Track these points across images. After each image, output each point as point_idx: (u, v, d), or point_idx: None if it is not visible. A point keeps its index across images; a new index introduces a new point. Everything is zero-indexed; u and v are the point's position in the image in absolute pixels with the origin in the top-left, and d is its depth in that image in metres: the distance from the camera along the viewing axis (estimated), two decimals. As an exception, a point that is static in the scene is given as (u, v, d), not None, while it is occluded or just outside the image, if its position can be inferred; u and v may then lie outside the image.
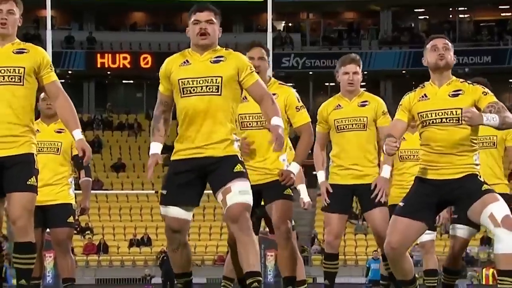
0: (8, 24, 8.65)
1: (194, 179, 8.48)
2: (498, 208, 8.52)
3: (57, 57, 45.90)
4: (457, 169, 8.66)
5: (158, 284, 38.04)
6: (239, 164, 8.43)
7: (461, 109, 8.57)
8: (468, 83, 8.82)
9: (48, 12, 38.95)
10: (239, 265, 9.25)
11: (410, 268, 9.13)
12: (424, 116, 8.70)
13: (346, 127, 10.52)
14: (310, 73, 55.14)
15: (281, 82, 9.85)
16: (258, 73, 8.90)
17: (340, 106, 10.60)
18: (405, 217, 8.74)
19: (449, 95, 8.72)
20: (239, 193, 8.31)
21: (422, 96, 8.78)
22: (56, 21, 47.27)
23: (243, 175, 8.42)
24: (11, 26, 8.69)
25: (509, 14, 57.18)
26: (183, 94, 8.45)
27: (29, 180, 8.58)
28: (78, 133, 8.61)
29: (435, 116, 8.68)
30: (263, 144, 9.33)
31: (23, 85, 8.55)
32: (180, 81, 8.47)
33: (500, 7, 56.98)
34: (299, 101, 9.55)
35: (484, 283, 38.79)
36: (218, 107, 8.40)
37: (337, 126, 10.51)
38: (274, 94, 9.08)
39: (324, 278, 10.45)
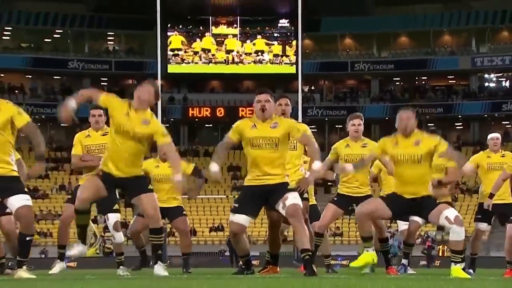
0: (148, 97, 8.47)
1: (258, 199, 8.48)
2: (451, 212, 8.56)
3: (164, 110, 46.15)
4: (419, 194, 8.66)
5: (227, 256, 38.06)
6: (289, 185, 8.48)
7: (421, 154, 8.61)
8: (426, 134, 8.79)
9: (158, 82, 39.31)
10: (272, 243, 9.30)
11: (368, 229, 9.13)
12: (396, 157, 8.67)
13: (352, 160, 10.45)
14: (326, 119, 55.05)
15: (297, 121, 9.68)
16: (284, 114, 9.25)
17: (348, 145, 10.61)
18: (384, 202, 8.81)
19: (412, 144, 8.68)
20: (294, 198, 8.36)
21: (395, 143, 8.75)
22: (163, 87, 47.52)
23: (294, 190, 8.49)
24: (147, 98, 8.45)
25: (454, 81, 56.86)
26: (253, 147, 8.43)
27: (149, 185, 8.60)
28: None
29: (403, 158, 8.65)
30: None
31: (142, 144, 8.33)
32: (251, 139, 8.44)
33: (448, 77, 56.74)
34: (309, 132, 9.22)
35: (440, 255, 38.50)
36: (276, 157, 8.43)
37: (346, 159, 10.49)
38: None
39: None
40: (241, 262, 9.19)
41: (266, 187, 8.38)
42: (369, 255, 9.13)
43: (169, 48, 53.68)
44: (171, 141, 8.45)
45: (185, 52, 54.41)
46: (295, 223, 8.32)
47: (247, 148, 8.47)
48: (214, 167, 8.46)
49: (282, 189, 8.40)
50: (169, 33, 53.47)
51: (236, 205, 8.54)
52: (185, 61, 54.44)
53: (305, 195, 9.38)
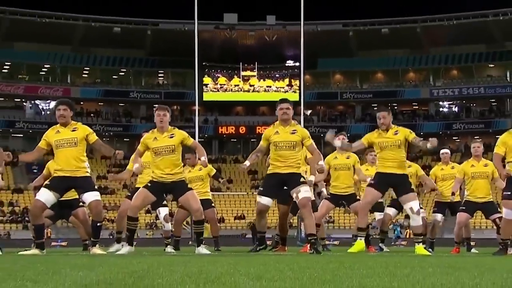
0: (163, 122, 8.13)
1: (278, 184, 8.19)
2: (415, 204, 8.46)
3: (200, 129, 46.12)
4: (398, 169, 8.48)
5: (249, 238, 37.86)
6: (302, 178, 8.15)
7: (400, 140, 8.47)
8: (400, 127, 8.70)
9: (196, 108, 39.28)
10: (282, 229, 9.15)
11: (366, 221, 9.02)
12: (381, 144, 8.53)
13: (339, 169, 10.43)
14: (322, 135, 54.73)
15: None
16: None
17: (336, 157, 10.54)
18: (373, 188, 8.64)
19: (393, 134, 8.56)
20: (305, 192, 8.06)
21: (379, 134, 8.61)
22: (199, 111, 47.50)
23: (305, 183, 8.15)
24: (165, 123, 8.14)
25: (417, 107, 56.54)
26: (276, 149, 8.12)
27: (188, 185, 8.33)
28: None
29: (387, 144, 8.52)
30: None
31: (174, 153, 8.04)
32: (273, 142, 8.14)
33: (412, 104, 56.41)
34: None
35: (408, 237, 38.21)
36: (293, 155, 8.09)
37: (335, 168, 10.44)
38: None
39: None
40: (257, 241, 9.06)
41: (285, 176, 8.09)
42: (361, 244, 9.05)
43: (218, 83, 55.12)
44: (194, 140, 8.16)
45: (226, 85, 55.65)
46: (306, 212, 8.06)
47: (272, 148, 8.16)
48: (245, 163, 8.11)
49: (296, 181, 8.07)
50: (217, 75, 55.29)
51: (261, 189, 8.28)
52: (227, 91, 55.26)
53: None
